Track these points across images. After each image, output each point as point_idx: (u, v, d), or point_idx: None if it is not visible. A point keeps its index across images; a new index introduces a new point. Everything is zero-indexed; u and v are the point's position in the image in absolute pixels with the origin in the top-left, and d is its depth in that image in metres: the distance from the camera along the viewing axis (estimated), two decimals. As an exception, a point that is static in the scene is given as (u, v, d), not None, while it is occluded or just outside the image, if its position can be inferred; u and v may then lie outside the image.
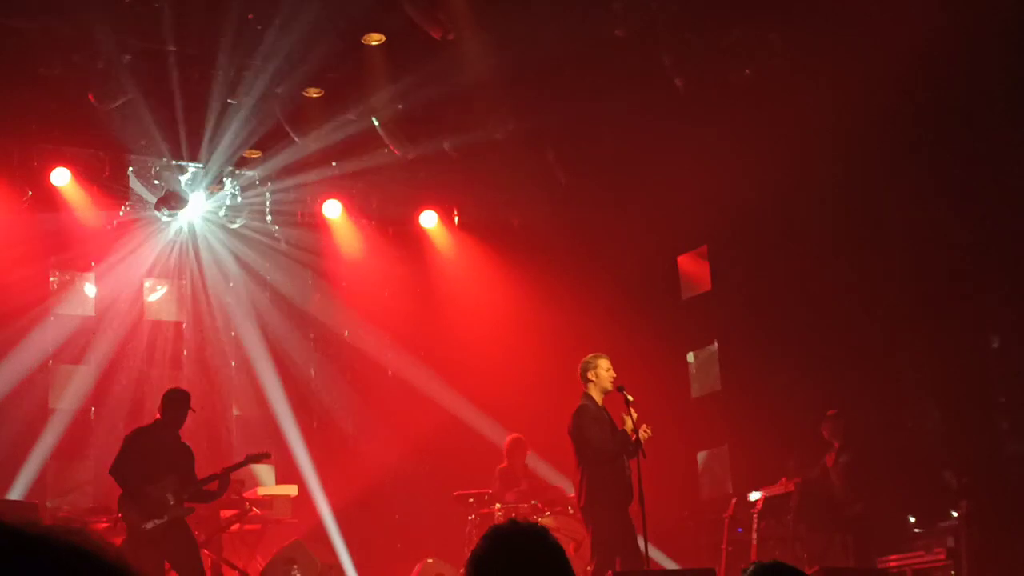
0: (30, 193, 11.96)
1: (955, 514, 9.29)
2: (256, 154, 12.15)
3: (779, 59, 10.12)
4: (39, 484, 11.44)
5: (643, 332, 12.21)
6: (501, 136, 11.77)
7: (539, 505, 10.32)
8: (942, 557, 9.01)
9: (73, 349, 12.32)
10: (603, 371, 8.67)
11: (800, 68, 10.07)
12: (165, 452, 8.82)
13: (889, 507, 10.15)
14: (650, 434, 8.37)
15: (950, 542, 9.09)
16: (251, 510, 10.50)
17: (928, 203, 10.23)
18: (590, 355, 8.81)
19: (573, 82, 10.72)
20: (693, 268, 13.12)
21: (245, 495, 10.64)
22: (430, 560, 10.52)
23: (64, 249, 12.34)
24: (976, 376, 10.13)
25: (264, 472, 12.35)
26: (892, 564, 9.35)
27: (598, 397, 8.68)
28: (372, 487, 12.40)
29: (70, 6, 9.60)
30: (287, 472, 12.18)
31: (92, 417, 12.19)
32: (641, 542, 8.16)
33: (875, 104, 9.79)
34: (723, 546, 9.97)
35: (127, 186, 12.25)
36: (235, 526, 10.47)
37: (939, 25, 9.14)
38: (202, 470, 9.07)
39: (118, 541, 8.28)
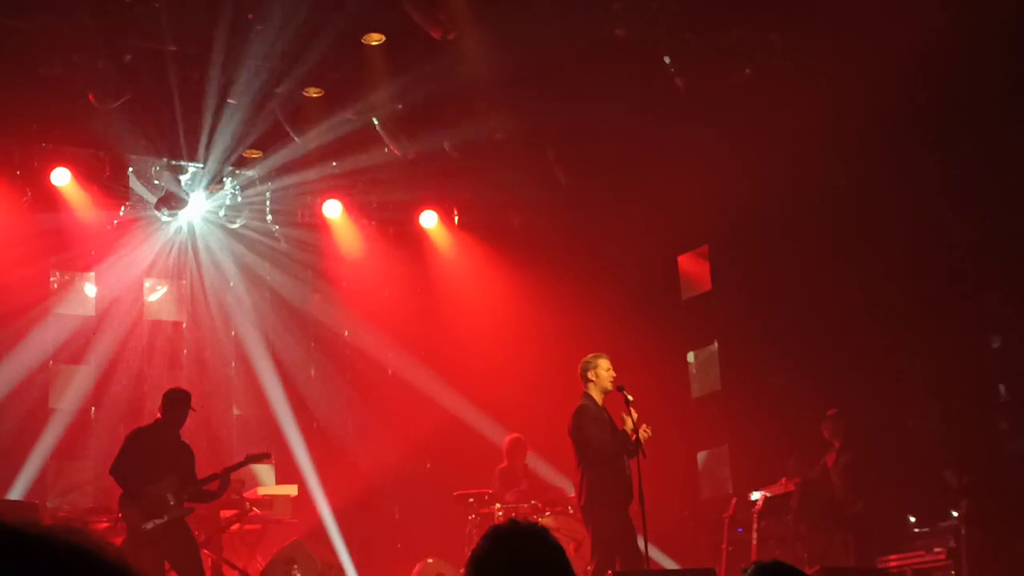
0: (30, 193, 11.96)
1: (955, 514, 9.29)
2: (256, 154, 12.14)
3: (779, 59, 10.12)
4: (39, 484, 11.44)
5: (643, 332, 12.20)
6: (501, 136, 11.77)
7: (539, 505, 10.32)
8: (942, 557, 9.01)
9: (73, 349, 12.32)
10: (603, 371, 8.67)
11: (800, 68, 10.07)
12: (165, 452, 8.82)
13: (889, 507, 10.15)
14: (650, 434, 8.37)
15: (950, 542, 9.09)
16: (251, 510, 10.50)
17: (928, 203, 10.23)
18: (590, 355, 8.81)
19: (573, 82, 10.72)
20: (693, 268, 13.12)
21: (245, 495, 10.64)
22: (430, 560, 10.52)
23: (64, 249, 12.35)
24: (976, 376, 10.13)
25: (264, 472, 12.35)
26: (892, 564, 9.35)
27: (598, 397, 8.68)
28: (372, 487, 12.41)
29: (70, 6, 9.60)
30: (287, 472, 12.18)
31: (92, 417, 12.19)
32: (641, 542, 8.16)
33: (875, 104, 9.79)
34: (723, 546, 9.97)
35: (127, 186, 12.25)
36: (235, 526, 10.47)
37: (939, 25, 9.14)
38: (202, 470, 9.08)
39: (118, 541, 8.28)
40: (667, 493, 9.95)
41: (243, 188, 12.86)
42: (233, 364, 13.10)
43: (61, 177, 11.83)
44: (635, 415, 8.34)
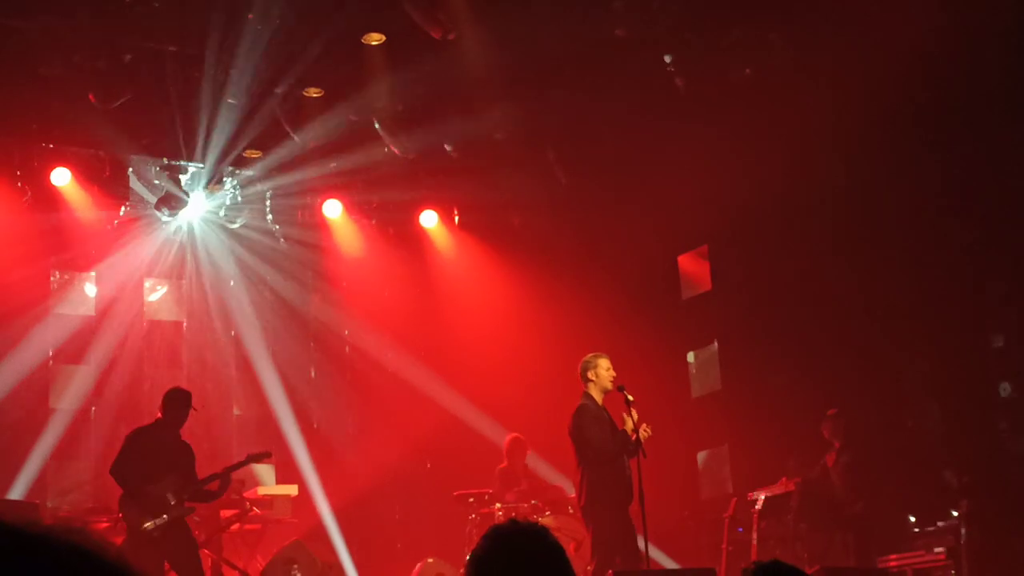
0: (30, 193, 11.96)
1: (955, 514, 9.29)
2: (256, 154, 12.14)
3: (779, 59, 10.13)
4: (39, 484, 11.44)
5: (643, 332, 12.20)
6: (501, 136, 11.77)
7: (539, 505, 10.32)
8: (942, 557, 9.01)
9: (73, 349, 12.32)
10: (603, 371, 8.66)
11: (800, 68, 10.08)
12: (165, 452, 8.82)
13: (889, 507, 10.15)
14: (650, 433, 8.37)
15: (950, 542, 9.09)
16: (251, 510, 10.49)
17: (928, 203, 10.24)
18: (590, 355, 8.81)
19: (573, 82, 10.72)
20: (693, 268, 13.12)
21: (245, 495, 10.63)
22: (430, 560, 10.52)
23: (64, 249, 12.35)
24: (976, 376, 10.13)
25: (264, 472, 12.36)
26: (892, 564, 9.35)
27: (598, 397, 8.68)
28: (372, 487, 12.41)
29: (70, 6, 9.60)
30: (287, 472, 12.18)
31: (92, 417, 12.19)
32: (641, 542, 8.16)
33: (875, 104, 9.79)
34: (723, 546, 9.97)
35: (127, 186, 12.25)
36: (235, 526, 10.46)
37: (939, 25, 9.14)
38: (202, 470, 9.07)
39: (118, 541, 8.27)
40: (667, 493, 9.95)
41: (243, 188, 12.85)
42: (233, 364, 13.10)
43: (61, 177, 11.84)
44: (636, 416, 8.34)
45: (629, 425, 8.35)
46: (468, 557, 2.92)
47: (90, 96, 10.42)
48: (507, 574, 2.83)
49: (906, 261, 10.41)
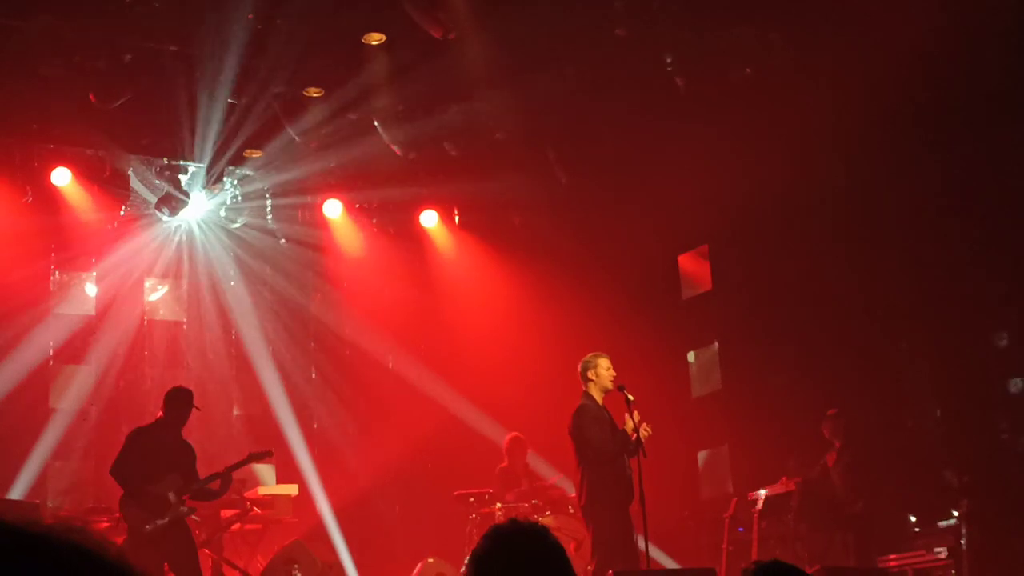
0: (30, 193, 11.96)
1: (956, 513, 9.29)
2: (256, 153, 12.14)
3: (780, 58, 10.12)
4: (40, 483, 11.44)
5: (643, 332, 12.21)
6: (501, 136, 11.77)
7: (540, 504, 10.31)
8: (943, 556, 9.01)
9: (74, 348, 12.33)
10: (603, 370, 8.66)
11: (801, 67, 10.08)
12: (166, 451, 8.81)
13: (890, 506, 10.16)
14: (650, 433, 8.37)
15: (951, 541, 9.09)
16: (252, 510, 10.50)
17: (929, 203, 10.24)
18: (590, 354, 8.81)
19: (573, 82, 10.72)
20: (694, 268, 13.13)
21: (246, 495, 10.63)
22: (431, 560, 10.52)
23: (65, 249, 12.36)
24: (977, 375, 10.13)
25: (265, 472, 12.36)
26: (893, 563, 9.35)
27: (598, 396, 8.68)
28: (372, 487, 12.41)
29: (70, 6, 9.60)
30: (288, 472, 12.18)
31: (92, 417, 12.19)
32: (641, 542, 8.16)
33: (876, 104, 9.79)
34: (724, 546, 9.97)
35: (127, 186, 12.25)
36: (236, 526, 10.47)
37: (939, 25, 9.14)
38: (201, 471, 9.07)
39: (119, 540, 8.27)
40: (667, 493, 9.96)
41: (243, 188, 12.85)
42: (233, 364, 13.10)
43: (61, 177, 11.84)
44: (636, 417, 8.33)
45: (629, 425, 8.35)
46: (468, 557, 2.92)
47: (90, 96, 10.42)
48: (507, 574, 2.83)
49: (906, 261, 10.41)
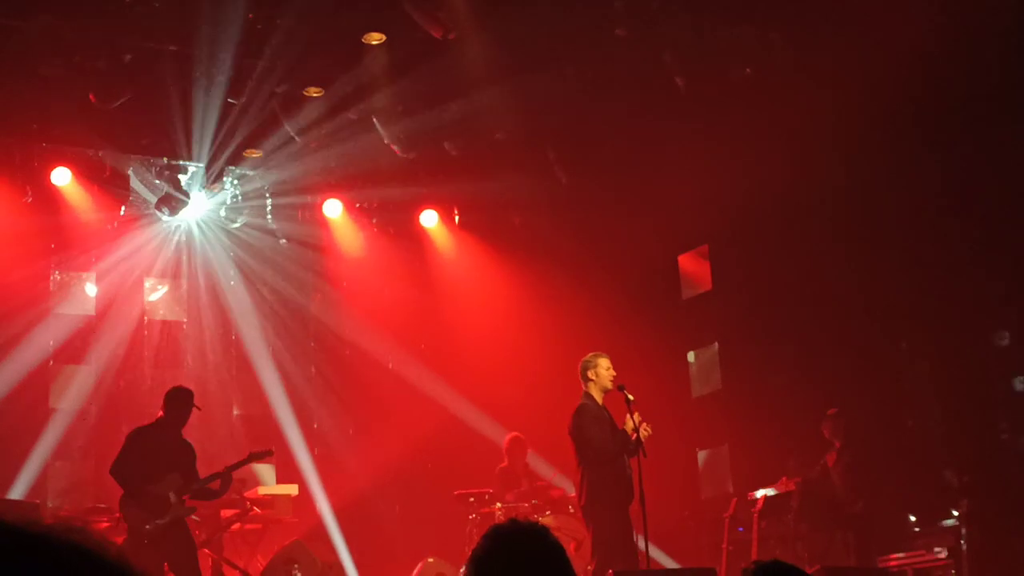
0: (30, 193, 11.97)
1: (956, 513, 9.30)
2: (256, 153, 12.14)
3: (780, 58, 10.12)
4: (40, 483, 11.44)
5: (644, 331, 12.21)
6: (501, 136, 11.77)
7: (540, 504, 10.31)
8: (943, 556, 9.01)
9: (73, 349, 12.33)
10: (603, 370, 8.66)
11: (801, 67, 10.08)
12: (167, 451, 8.81)
13: (890, 506, 10.16)
14: (650, 433, 8.37)
15: (951, 541, 9.09)
16: (252, 509, 10.50)
17: (929, 202, 10.24)
18: (590, 354, 8.81)
19: (573, 82, 10.72)
20: (694, 267, 13.13)
21: (246, 495, 10.63)
22: (431, 559, 10.52)
23: (64, 248, 12.36)
24: (977, 375, 10.13)
25: (265, 472, 12.36)
26: (893, 563, 9.35)
27: (598, 396, 8.68)
28: (372, 487, 12.41)
29: (71, 6, 9.60)
30: (288, 472, 12.18)
31: (92, 416, 12.19)
32: (641, 542, 8.16)
33: (876, 103, 9.79)
34: (724, 545, 9.97)
35: (127, 186, 12.26)
36: (236, 525, 10.47)
37: (939, 25, 9.14)
38: (202, 470, 9.07)
39: (119, 540, 8.27)
40: (667, 493, 9.96)
41: (243, 188, 12.85)
42: (233, 364, 13.10)
43: (61, 177, 11.84)
44: (637, 417, 8.33)
45: (630, 425, 8.35)
46: (469, 557, 2.91)
47: (90, 96, 10.42)
48: (507, 573, 2.83)
49: (906, 261, 10.41)
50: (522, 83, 10.70)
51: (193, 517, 8.98)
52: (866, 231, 10.77)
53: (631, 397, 8.35)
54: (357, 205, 13.38)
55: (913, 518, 10.11)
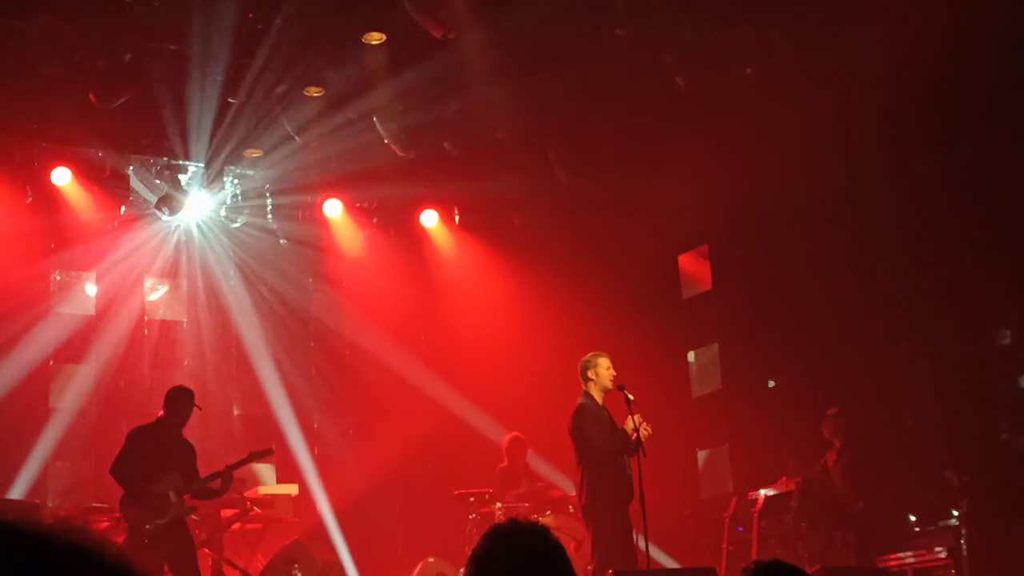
0: (31, 193, 11.97)
1: (956, 513, 9.30)
2: (256, 153, 12.14)
3: (780, 58, 10.12)
4: (40, 483, 11.44)
5: (644, 331, 12.21)
6: (502, 135, 11.77)
7: (540, 504, 10.31)
8: (943, 556, 9.01)
9: (74, 348, 12.33)
10: (603, 370, 8.66)
11: (801, 67, 10.07)
12: (167, 450, 8.81)
13: (890, 506, 10.16)
14: (650, 432, 8.37)
15: (951, 541, 9.09)
16: (252, 509, 10.50)
17: (929, 202, 10.23)
18: (590, 354, 8.81)
19: (574, 81, 10.72)
20: (694, 267, 13.13)
21: (246, 494, 10.63)
22: (431, 559, 10.52)
23: (65, 248, 12.35)
24: (977, 375, 10.13)
25: (265, 471, 12.36)
26: (893, 563, 9.35)
27: (598, 396, 8.68)
28: (372, 486, 12.41)
29: (71, 6, 9.60)
30: (288, 471, 12.18)
31: (92, 416, 12.19)
32: (642, 541, 8.16)
33: (876, 103, 9.79)
34: (724, 545, 9.97)
35: (127, 186, 12.26)
36: (236, 525, 10.47)
37: (939, 25, 9.14)
38: (202, 470, 9.06)
39: (119, 540, 8.26)
40: (668, 492, 9.96)
41: (244, 187, 12.85)
42: (233, 364, 13.10)
43: (62, 177, 11.84)
44: (638, 418, 8.33)
45: (630, 425, 8.35)
46: (469, 556, 2.92)
47: (90, 96, 10.42)
48: (507, 573, 2.83)
49: (906, 261, 10.41)
50: (522, 83, 10.70)
51: (192, 517, 8.98)
52: (866, 231, 10.77)
53: (631, 397, 8.34)
54: (357, 205, 13.38)
55: (913, 518, 10.11)
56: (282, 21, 9.81)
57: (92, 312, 12.63)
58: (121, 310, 12.58)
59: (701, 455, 12.84)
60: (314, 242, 13.37)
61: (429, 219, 13.65)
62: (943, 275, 10.12)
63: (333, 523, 11.96)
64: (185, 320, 13.13)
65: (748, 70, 10.28)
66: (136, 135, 11.59)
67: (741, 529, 10.14)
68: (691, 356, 13.16)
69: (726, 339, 12.56)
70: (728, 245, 12.47)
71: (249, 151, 12.04)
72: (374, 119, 11.43)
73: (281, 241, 13.38)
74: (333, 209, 13.19)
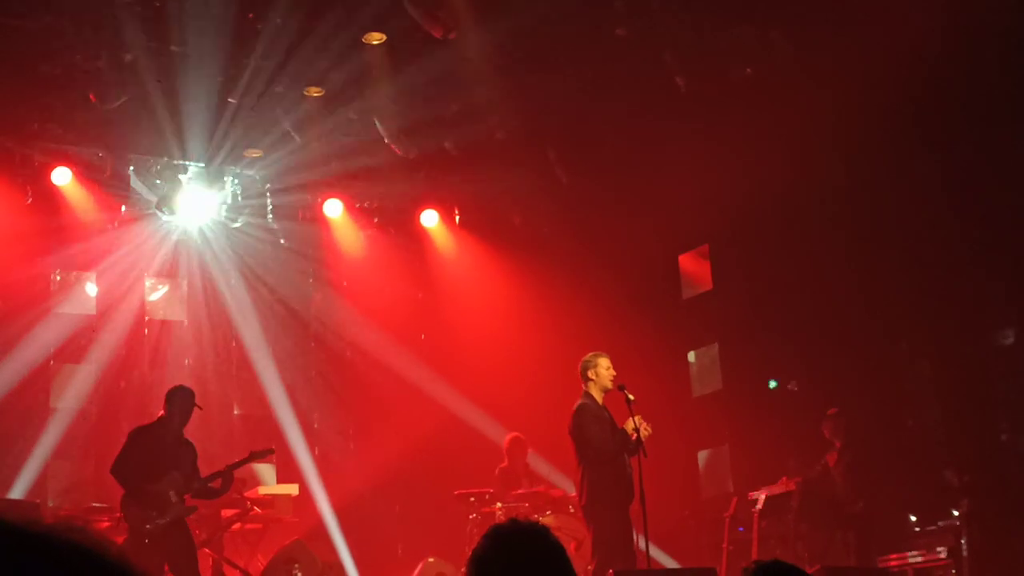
0: (31, 192, 11.97)
1: (956, 513, 9.30)
2: (257, 153, 12.14)
3: (780, 57, 10.12)
4: (40, 483, 11.44)
5: (644, 331, 12.21)
6: (502, 135, 11.77)
7: (540, 504, 10.31)
8: (943, 556, 9.01)
9: (74, 348, 12.33)
10: (603, 370, 8.66)
11: (801, 66, 10.07)
12: (167, 450, 8.81)
13: (890, 506, 10.16)
14: (650, 432, 8.37)
15: (951, 541, 9.09)
16: (252, 509, 10.50)
17: (929, 202, 10.23)
18: (590, 354, 8.81)
19: (574, 81, 10.72)
20: (694, 267, 13.13)
21: (246, 494, 10.64)
22: (431, 559, 10.52)
23: (65, 248, 12.36)
24: (977, 375, 10.13)
25: (265, 471, 12.36)
26: (893, 563, 9.35)
27: (598, 396, 8.68)
28: (373, 486, 12.41)
29: (71, 5, 9.60)
30: (288, 471, 12.19)
31: (93, 416, 12.19)
32: (642, 541, 8.15)
33: (876, 102, 9.79)
34: (724, 545, 9.97)
35: (128, 185, 12.26)
36: (236, 525, 10.47)
37: (939, 25, 9.14)
38: (202, 470, 9.06)
39: (119, 540, 8.26)
40: (668, 492, 9.96)
41: (244, 187, 12.85)
42: (233, 364, 13.10)
43: (62, 176, 11.85)
44: (638, 419, 8.32)
45: (630, 425, 8.34)
46: (469, 557, 2.92)
47: (90, 96, 10.42)
48: (508, 573, 2.83)
49: (906, 261, 10.41)
50: (522, 83, 10.70)
51: (193, 516, 8.97)
52: (866, 231, 10.76)
53: (631, 397, 8.34)
54: (357, 205, 13.38)
55: (913, 518, 10.11)
56: (282, 21, 9.81)
57: (92, 312, 12.64)
58: (121, 310, 12.58)
59: (701, 455, 12.84)
60: (314, 242, 13.37)
61: (429, 219, 13.65)
62: (943, 275, 10.12)
63: (333, 523, 11.96)
64: (185, 320, 13.13)
65: (748, 70, 10.28)
66: (136, 135, 11.59)
67: (741, 529, 10.14)
68: (691, 356, 13.16)
69: (726, 339, 12.56)
70: (728, 245, 12.47)
71: (249, 151, 12.05)
72: (374, 119, 11.43)
73: (281, 241, 13.38)
74: (333, 209, 13.19)
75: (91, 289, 12.79)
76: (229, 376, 13.08)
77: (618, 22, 9.92)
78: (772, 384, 11.96)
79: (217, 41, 10.01)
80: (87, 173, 11.99)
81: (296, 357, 13.30)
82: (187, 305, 13.17)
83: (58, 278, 12.63)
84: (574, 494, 9.09)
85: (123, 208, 12.53)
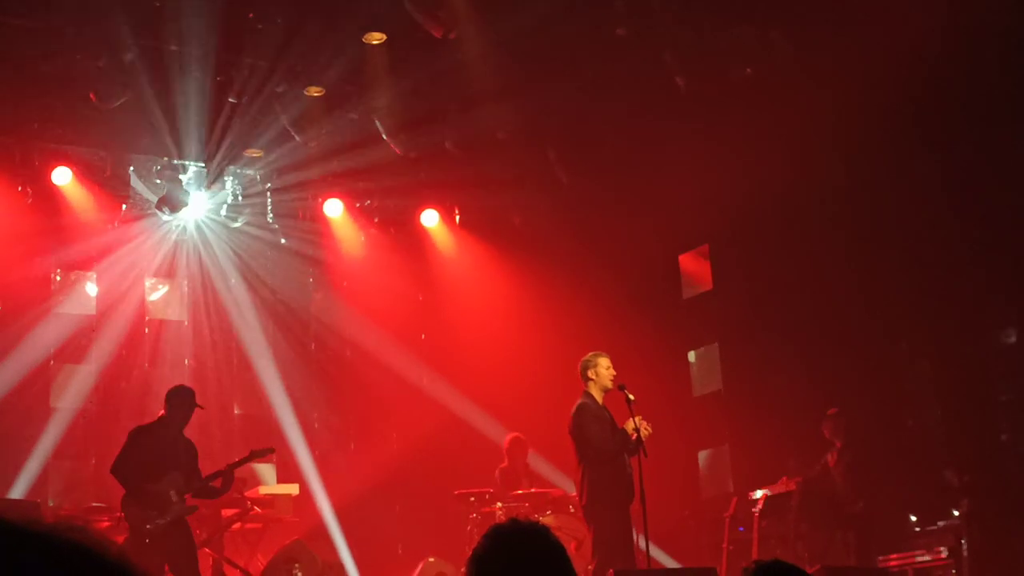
0: (31, 192, 11.97)
1: (956, 513, 9.30)
2: (257, 153, 12.14)
3: (780, 58, 10.12)
4: (40, 483, 11.45)
5: (644, 331, 12.21)
6: (502, 135, 11.77)
7: (540, 504, 10.31)
8: (943, 556, 9.01)
9: (74, 348, 12.34)
10: (603, 369, 8.66)
11: (802, 66, 10.08)
12: (168, 450, 8.80)
13: (890, 506, 10.16)
14: (651, 432, 8.37)
15: (951, 541, 9.09)
16: (252, 509, 10.50)
17: (929, 202, 10.23)
18: (590, 353, 8.81)
19: (574, 81, 10.72)
20: (694, 267, 13.13)
21: (247, 494, 10.64)
22: (431, 559, 10.52)
23: (65, 248, 12.36)
24: (977, 375, 10.13)
25: (265, 471, 12.36)
26: (893, 563, 9.35)
27: (598, 395, 8.68)
28: (373, 486, 12.41)
29: (72, 5, 9.60)
30: (288, 471, 12.19)
31: (93, 416, 12.19)
32: (642, 541, 8.16)
33: (876, 102, 9.79)
34: (724, 545, 9.97)
35: (128, 186, 12.27)
36: (236, 525, 10.47)
37: (939, 25, 9.14)
38: (202, 470, 9.06)
39: (120, 540, 8.26)
40: (668, 492, 9.95)
41: (244, 187, 12.86)
42: (233, 364, 13.10)
43: (62, 176, 11.85)
44: (638, 419, 8.33)
45: (630, 425, 8.35)
46: (469, 556, 2.92)
47: (91, 95, 10.42)
48: (508, 573, 2.83)
49: (906, 261, 10.40)
50: (522, 83, 10.70)
51: (194, 516, 8.97)
52: (866, 231, 10.76)
53: (632, 397, 8.34)
54: (357, 204, 13.38)
55: (913, 518, 10.11)
56: (282, 21, 9.81)
57: (93, 312, 12.64)
58: (122, 310, 12.59)
59: (701, 455, 12.84)
60: (314, 242, 13.37)
61: (429, 219, 13.65)
62: (943, 275, 10.11)
63: (333, 523, 11.97)
64: (185, 320, 13.13)
65: (748, 70, 10.28)
66: (136, 135, 11.60)
67: (741, 529, 10.14)
68: (691, 356, 13.16)
69: (726, 339, 12.56)
70: (728, 245, 12.47)
71: (249, 151, 12.05)
72: (374, 119, 11.43)
73: (281, 241, 13.39)
74: (333, 209, 13.19)
75: (91, 289, 12.80)
76: (229, 376, 13.08)
77: (618, 22, 9.93)
78: None
79: (218, 40, 10.01)
80: (87, 173, 11.99)
81: (296, 357, 13.30)
82: (187, 305, 13.17)
83: (58, 278, 12.63)
84: (574, 494, 9.09)
85: (123, 208, 12.53)
